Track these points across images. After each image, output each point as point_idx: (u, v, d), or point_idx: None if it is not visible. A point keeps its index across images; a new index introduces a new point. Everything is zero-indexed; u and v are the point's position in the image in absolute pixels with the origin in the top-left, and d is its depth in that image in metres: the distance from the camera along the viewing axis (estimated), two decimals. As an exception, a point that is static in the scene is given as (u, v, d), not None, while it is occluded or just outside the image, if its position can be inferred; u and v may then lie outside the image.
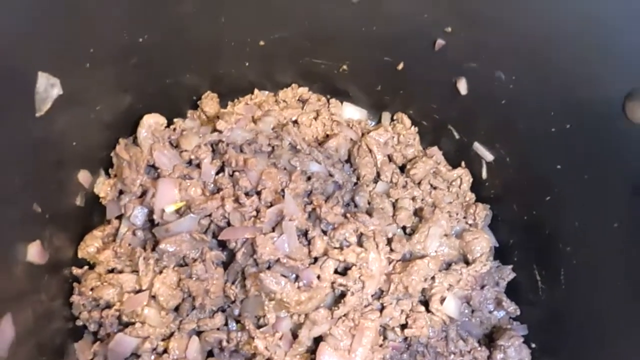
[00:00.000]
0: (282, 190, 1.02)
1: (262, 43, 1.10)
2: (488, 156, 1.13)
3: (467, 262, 1.06)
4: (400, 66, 1.13)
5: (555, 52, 0.86)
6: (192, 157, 1.03)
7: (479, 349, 0.98)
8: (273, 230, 0.96)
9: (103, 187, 1.02)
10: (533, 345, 0.99)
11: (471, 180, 1.19)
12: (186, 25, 0.95)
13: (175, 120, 1.09)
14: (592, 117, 0.85)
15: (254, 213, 0.98)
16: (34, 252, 0.79)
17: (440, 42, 1.02)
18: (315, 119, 1.24)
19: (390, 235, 1.06)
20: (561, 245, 0.97)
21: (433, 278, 1.01)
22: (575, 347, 0.92)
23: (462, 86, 1.07)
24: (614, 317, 0.86)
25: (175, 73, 1.08)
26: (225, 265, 0.98)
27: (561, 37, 0.84)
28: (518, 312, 1.05)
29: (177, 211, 0.98)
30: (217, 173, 1.04)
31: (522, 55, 0.92)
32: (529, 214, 1.07)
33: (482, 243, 1.06)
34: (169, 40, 0.97)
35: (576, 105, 0.87)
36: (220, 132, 1.05)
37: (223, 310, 0.96)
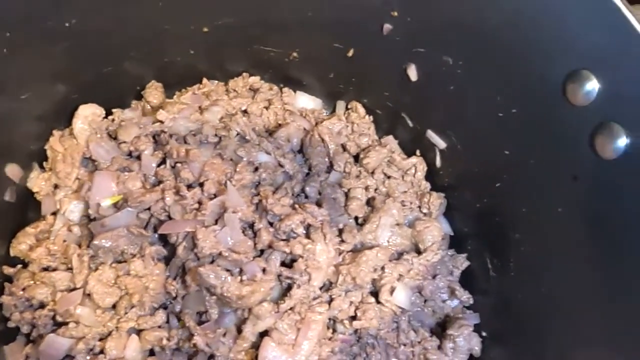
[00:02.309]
0: (227, 181, 0.98)
1: (205, 30, 1.06)
2: (441, 144, 1.11)
3: (419, 252, 1.04)
4: (351, 53, 1.10)
5: (497, 35, 0.84)
6: (132, 148, 0.99)
7: (430, 339, 0.97)
8: (216, 223, 0.93)
9: (37, 182, 0.97)
10: (484, 334, 0.98)
11: (426, 168, 1.17)
12: (117, 10, 0.90)
13: (114, 110, 1.04)
14: (535, 101, 0.83)
15: (196, 206, 0.94)
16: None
17: (387, 26, 0.99)
18: (267, 108, 1.20)
19: (341, 226, 1.04)
20: (510, 233, 0.96)
21: (383, 268, 0.99)
22: (524, 334, 0.91)
23: (412, 72, 1.05)
24: (560, 302, 0.85)
25: (114, 61, 1.03)
26: (167, 260, 0.94)
27: (503, 19, 0.82)
28: (471, 301, 1.04)
29: (115, 205, 0.94)
30: (159, 165, 1.00)
31: (467, 39, 0.89)
32: (481, 201, 1.05)
33: (434, 232, 1.04)
34: (102, 26, 0.92)
35: (520, 90, 0.86)
36: (161, 122, 1.01)
37: (164, 307, 0.93)
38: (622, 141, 0.70)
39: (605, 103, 0.72)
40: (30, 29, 0.80)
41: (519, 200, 0.93)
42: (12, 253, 0.93)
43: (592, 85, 0.73)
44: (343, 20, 1.03)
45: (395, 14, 0.96)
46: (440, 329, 1.03)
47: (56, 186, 0.97)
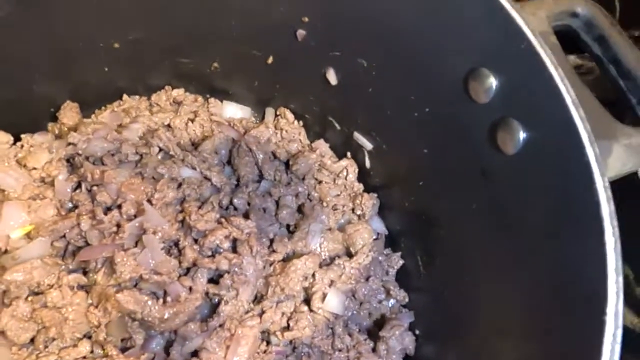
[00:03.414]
0: (149, 201, 0.96)
1: (116, 45, 1.03)
2: (368, 145, 1.12)
3: (351, 255, 1.04)
4: (270, 60, 1.09)
5: (402, 37, 0.85)
6: (44, 175, 0.95)
7: (364, 342, 0.97)
8: (136, 245, 0.90)
9: (-59, 216, 0.92)
10: (417, 332, 0.99)
11: (357, 170, 1.17)
12: (17, 32, 0.86)
13: (22, 136, 1.00)
14: (443, 100, 0.85)
15: (115, 229, 0.91)
16: None
17: (301, 32, 0.99)
18: (192, 121, 1.17)
19: (271, 236, 1.03)
20: (436, 229, 0.98)
21: (314, 275, 0.98)
22: (452, 329, 0.92)
23: (332, 76, 1.05)
24: (481, 295, 0.86)
25: (22, 84, 0.99)
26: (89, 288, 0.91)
27: (406, 21, 0.83)
28: (407, 300, 1.05)
29: (28, 235, 0.90)
30: (76, 189, 0.96)
31: (376, 41, 0.90)
32: (409, 200, 1.06)
33: (364, 234, 1.05)
34: (3, 46, 0.88)
35: (429, 89, 0.87)
36: (74, 145, 0.97)
37: (89, 337, 0.89)
38: (520, 135, 0.72)
39: (503, 99, 0.73)
40: None
41: (440, 198, 0.95)
42: None
43: (491, 83, 0.74)
44: (257, 28, 1.02)
45: (306, 19, 0.96)
46: (377, 330, 1.03)
47: (-37, 220, 0.92)
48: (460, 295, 0.90)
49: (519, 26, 0.67)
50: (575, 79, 0.74)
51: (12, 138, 0.97)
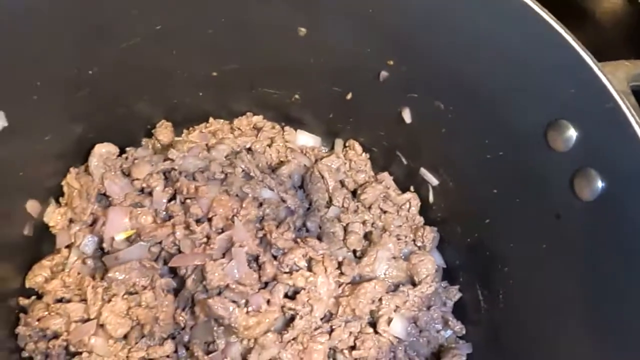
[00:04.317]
0: (234, 217, 1.04)
1: (214, 74, 1.14)
2: (433, 181, 1.19)
3: (414, 284, 1.10)
4: (349, 96, 1.18)
5: (484, 85, 0.92)
6: (144, 185, 1.05)
7: (425, 368, 1.02)
8: (223, 256, 0.98)
9: (53, 216, 1.02)
10: (475, 364, 1.03)
11: (419, 204, 1.24)
12: (136, 58, 0.97)
13: (127, 149, 1.11)
14: (519, 146, 0.91)
15: (205, 240, 0.99)
16: (-24, 285, 0.79)
17: (384, 74, 1.07)
18: (270, 146, 1.27)
19: (340, 259, 1.10)
20: (500, 266, 1.03)
21: (380, 300, 1.04)
22: (513, 364, 0.97)
23: (407, 115, 1.13)
24: (547, 337, 0.90)
25: (127, 103, 1.10)
26: (177, 292, 0.99)
27: (488, 70, 0.91)
28: (464, 332, 1.09)
29: (128, 239, 0.99)
30: (170, 201, 1.06)
31: (456, 87, 0.98)
32: (472, 236, 1.12)
33: (428, 265, 1.10)
34: (120, 72, 0.99)
35: (505, 135, 0.93)
36: (172, 160, 1.07)
37: (173, 337, 0.97)
38: (598, 185, 0.78)
39: (583, 151, 0.79)
40: (57, 78, 0.86)
41: (506, 236, 1.00)
42: (27, 285, 0.98)
43: (570, 134, 0.81)
44: (342, 68, 1.11)
45: (391, 62, 1.05)
46: (435, 359, 1.08)
47: (71, 220, 1.02)
48: (522, 333, 0.94)
49: (604, 85, 0.74)
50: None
51: (118, 150, 1.08)
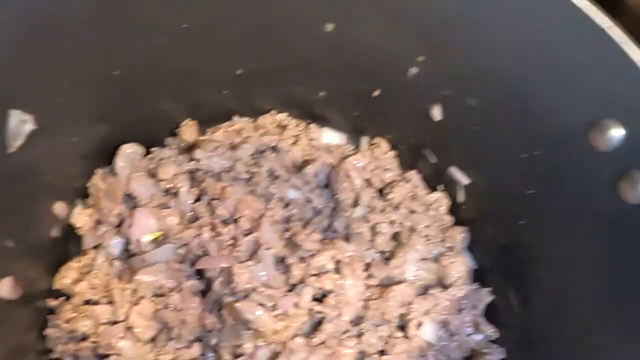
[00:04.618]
0: (260, 217, 1.03)
1: (239, 72, 1.12)
2: (464, 180, 1.15)
3: (444, 286, 1.07)
4: (377, 93, 1.15)
5: (521, 82, 0.89)
6: (170, 186, 1.04)
7: (457, 373, 0.99)
8: (250, 258, 0.97)
9: (80, 217, 1.02)
10: (510, 369, 1.00)
11: (449, 203, 1.20)
12: (161, 58, 0.96)
13: (152, 149, 1.10)
14: (558, 145, 0.87)
15: (231, 241, 0.98)
16: (6, 288, 0.79)
17: (413, 70, 1.04)
18: (294, 144, 1.25)
19: (368, 261, 1.07)
20: (535, 269, 0.99)
21: (410, 303, 1.01)
22: (550, 372, 0.93)
23: (437, 112, 1.09)
24: (587, 343, 0.87)
25: (152, 103, 1.09)
26: (203, 294, 0.98)
27: (525, 67, 0.87)
28: (497, 335, 1.06)
29: (154, 241, 0.98)
30: (195, 202, 1.04)
31: (491, 84, 0.94)
32: (505, 237, 1.08)
33: (459, 267, 1.07)
34: (145, 71, 0.98)
35: (543, 133, 0.89)
36: (197, 160, 1.06)
37: (200, 340, 0.96)
38: (645, 188, 0.74)
39: (628, 151, 0.75)
40: (84, 79, 0.85)
41: (543, 238, 0.96)
42: (55, 286, 0.98)
43: (614, 134, 0.76)
44: (370, 64, 1.08)
45: (422, 59, 1.01)
46: (466, 363, 1.05)
47: (98, 222, 1.02)
48: (562, 339, 0.91)
49: (654, 82, 0.70)
50: None
51: (144, 150, 1.07)
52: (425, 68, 1.02)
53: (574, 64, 0.79)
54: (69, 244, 1.02)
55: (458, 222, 1.20)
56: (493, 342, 1.07)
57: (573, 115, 0.82)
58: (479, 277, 1.15)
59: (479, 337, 1.07)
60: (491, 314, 1.10)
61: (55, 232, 0.97)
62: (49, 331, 0.93)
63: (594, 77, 0.78)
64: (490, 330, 1.06)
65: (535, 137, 0.92)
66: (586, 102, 0.80)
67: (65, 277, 0.97)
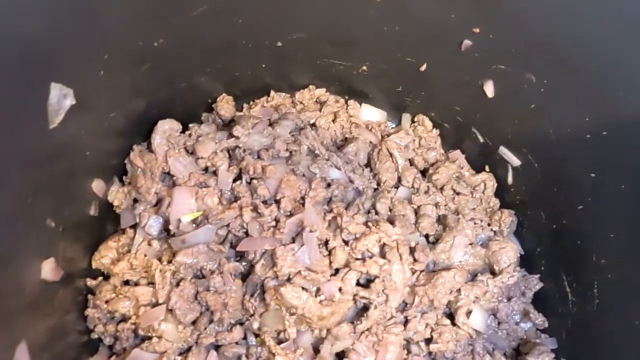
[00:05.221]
0: (302, 198, 0.98)
1: (279, 44, 1.06)
2: (515, 161, 1.09)
3: (493, 273, 1.02)
4: (424, 67, 1.08)
5: (589, 55, 0.81)
6: (209, 164, 1.00)
7: (506, 363, 0.95)
8: (293, 240, 0.93)
9: (117, 195, 0.99)
10: (563, 360, 0.96)
11: (495, 185, 1.14)
12: (202, 28, 0.91)
13: (190, 125, 1.05)
14: (631, 125, 0.80)
15: (273, 223, 0.94)
16: (49, 270, 0.77)
17: (467, 42, 0.97)
18: (334, 121, 1.19)
19: (412, 245, 1.02)
20: (595, 258, 0.93)
21: (459, 290, 0.97)
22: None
23: (489, 88, 1.03)
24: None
25: (190, 77, 1.05)
26: (244, 276, 0.95)
27: (595, 39, 0.79)
28: (546, 325, 1.01)
29: (194, 221, 0.95)
30: (235, 180, 1.00)
31: (555, 58, 0.87)
32: (559, 222, 1.02)
33: (509, 253, 1.02)
34: (185, 43, 0.93)
35: (613, 113, 0.83)
36: (237, 137, 1.01)
37: (241, 324, 0.93)
38: None
39: None
40: (123, 51, 0.81)
41: (605, 225, 0.90)
42: (93, 265, 0.95)
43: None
44: (420, 36, 1.01)
45: (477, 30, 0.94)
46: (514, 353, 1.01)
47: (135, 200, 0.99)
48: (623, 332, 0.86)
49: None
50: None
51: (181, 126, 1.02)
52: (481, 40, 0.95)
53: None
54: (106, 222, 1.00)
55: (505, 205, 1.14)
56: (542, 331, 1.02)
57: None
58: (526, 263, 1.09)
59: (527, 325, 1.02)
60: (539, 302, 1.05)
61: (93, 211, 0.94)
62: (89, 311, 0.92)
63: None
64: (540, 319, 1.01)
65: (603, 116, 0.85)
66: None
67: (104, 257, 0.95)
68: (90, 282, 0.94)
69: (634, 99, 0.79)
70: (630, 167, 0.83)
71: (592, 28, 0.79)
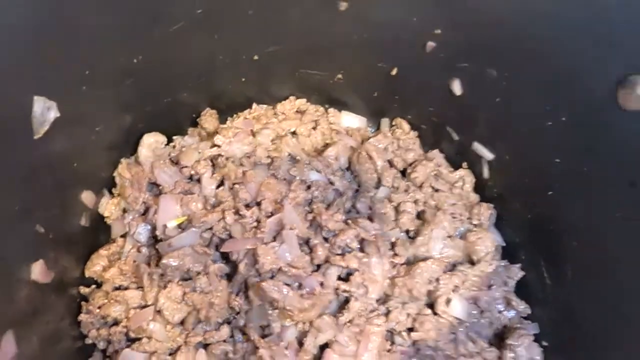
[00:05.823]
0: (282, 199, 1.03)
1: (255, 57, 1.12)
2: (488, 155, 1.13)
3: (473, 263, 1.05)
4: (394, 71, 1.14)
5: (543, 45, 0.86)
6: (192, 172, 1.05)
7: (489, 349, 0.97)
8: (274, 239, 0.97)
9: (107, 207, 1.04)
10: (544, 344, 0.97)
11: (474, 180, 1.18)
12: (180, 45, 0.97)
13: (174, 137, 1.11)
14: (586, 108, 0.84)
15: (255, 224, 0.99)
16: (38, 271, 0.81)
17: (430, 44, 1.03)
18: (314, 129, 1.25)
19: (393, 240, 1.06)
20: (567, 241, 0.96)
21: (438, 280, 1.00)
22: (587, 344, 0.90)
23: (456, 87, 1.07)
24: (625, 311, 0.83)
25: (173, 92, 1.11)
26: (229, 277, 0.99)
27: (548, 29, 0.84)
28: (529, 311, 1.03)
29: (179, 226, 0.99)
30: (218, 187, 1.05)
31: (511, 52, 0.92)
32: (533, 211, 1.05)
33: (486, 242, 1.05)
34: (164, 59, 0.99)
35: (569, 98, 0.87)
36: (218, 146, 1.07)
37: (229, 322, 0.97)
38: (680, 144, 0.70)
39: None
40: (105, 66, 0.87)
41: (574, 208, 0.93)
42: (87, 274, 1.00)
43: (644, 90, 0.74)
44: (386, 41, 1.07)
45: (439, 31, 0.99)
46: (498, 340, 1.02)
47: (124, 210, 1.04)
48: (600, 310, 0.88)
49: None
50: None
51: (165, 139, 1.08)
52: (443, 41, 1.01)
53: (602, 19, 0.76)
54: (98, 232, 1.05)
55: (484, 199, 1.17)
56: (526, 318, 1.04)
57: (601, 74, 0.79)
58: (509, 253, 1.12)
59: (510, 313, 1.04)
60: (523, 290, 1.07)
61: (84, 222, 0.99)
62: (83, 317, 0.96)
63: (625, 27, 0.74)
64: (522, 306, 1.03)
65: (561, 102, 0.89)
66: (616, 58, 0.77)
67: (96, 265, 1.00)
68: (84, 290, 0.99)
69: (585, 82, 0.83)
70: (586, 149, 0.86)
71: (540, 20, 0.84)
